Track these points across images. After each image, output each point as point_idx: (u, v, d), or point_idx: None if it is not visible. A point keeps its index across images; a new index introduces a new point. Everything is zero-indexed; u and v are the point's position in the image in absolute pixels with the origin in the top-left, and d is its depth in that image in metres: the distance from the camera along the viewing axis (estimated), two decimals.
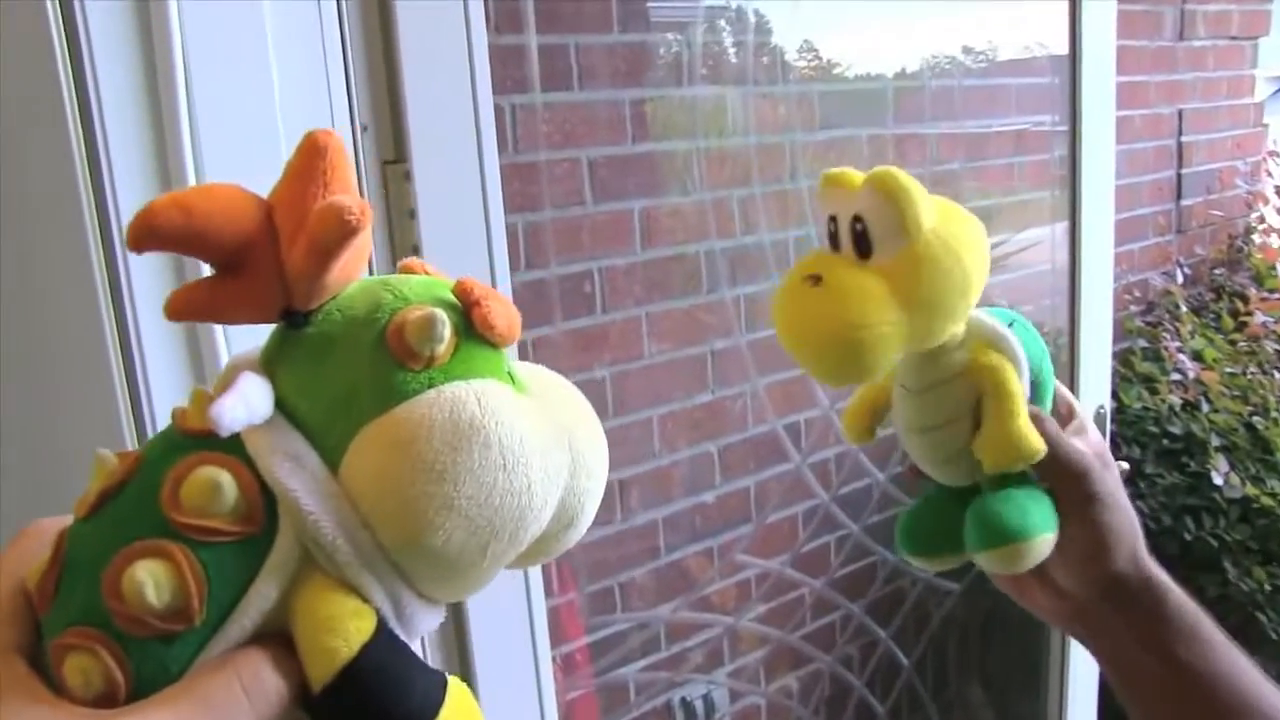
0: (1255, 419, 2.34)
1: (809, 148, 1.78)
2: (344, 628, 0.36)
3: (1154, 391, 2.45)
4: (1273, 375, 2.45)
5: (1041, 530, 0.56)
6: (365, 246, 0.40)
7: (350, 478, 0.37)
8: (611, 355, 1.60)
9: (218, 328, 0.74)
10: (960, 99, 2.01)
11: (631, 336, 1.62)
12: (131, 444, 0.74)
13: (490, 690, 0.97)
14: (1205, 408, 2.38)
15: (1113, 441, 1.79)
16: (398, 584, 0.38)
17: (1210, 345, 2.55)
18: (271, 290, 0.38)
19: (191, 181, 0.73)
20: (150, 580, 0.34)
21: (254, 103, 0.77)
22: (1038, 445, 0.56)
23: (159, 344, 0.74)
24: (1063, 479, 0.58)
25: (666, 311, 1.66)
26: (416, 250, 0.87)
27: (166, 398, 0.75)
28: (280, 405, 0.38)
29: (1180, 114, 2.78)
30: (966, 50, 2.04)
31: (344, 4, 0.83)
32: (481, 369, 0.39)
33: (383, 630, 0.38)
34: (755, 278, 1.73)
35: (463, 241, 0.91)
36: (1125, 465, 1.71)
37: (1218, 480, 2.21)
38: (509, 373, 0.41)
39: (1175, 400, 2.41)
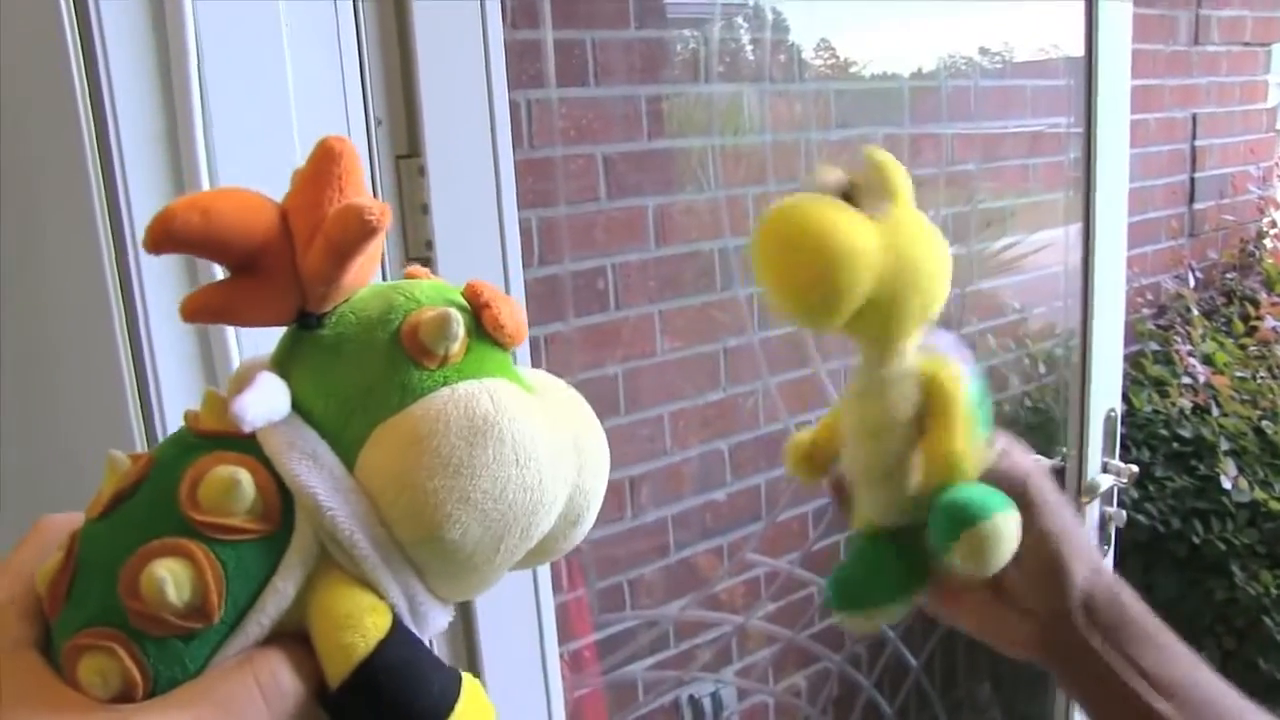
0: (1265, 423, 2.34)
1: (824, 146, 1.77)
2: (361, 624, 0.37)
3: (1164, 395, 2.45)
4: None
5: (1005, 507, 0.55)
6: (378, 251, 0.40)
7: (367, 474, 0.37)
8: (624, 352, 1.60)
9: (229, 329, 0.74)
10: (976, 99, 2.01)
11: (644, 333, 1.62)
12: (142, 446, 0.74)
13: (498, 686, 0.97)
14: (1215, 412, 2.38)
15: (1123, 444, 1.78)
16: (412, 581, 0.39)
17: (1221, 349, 2.55)
18: (287, 292, 0.38)
19: (204, 176, 0.73)
20: (170, 578, 0.34)
21: (268, 97, 0.77)
22: (977, 461, 0.56)
23: (170, 346, 0.74)
24: (1005, 487, 0.57)
25: (680, 309, 1.66)
26: (429, 245, 0.87)
27: (177, 400, 0.75)
28: (295, 405, 0.38)
29: (1194, 118, 2.78)
30: (983, 51, 2.04)
31: None
32: (492, 369, 0.40)
33: (399, 626, 0.38)
34: None
35: (476, 237, 0.91)
36: (1134, 468, 1.71)
37: (1226, 484, 2.21)
38: (516, 373, 0.42)
39: (1185, 404, 2.41)
